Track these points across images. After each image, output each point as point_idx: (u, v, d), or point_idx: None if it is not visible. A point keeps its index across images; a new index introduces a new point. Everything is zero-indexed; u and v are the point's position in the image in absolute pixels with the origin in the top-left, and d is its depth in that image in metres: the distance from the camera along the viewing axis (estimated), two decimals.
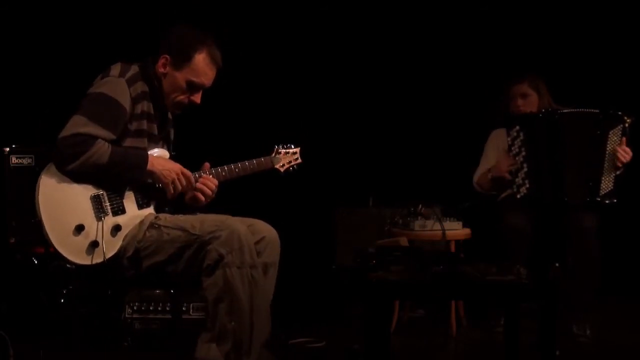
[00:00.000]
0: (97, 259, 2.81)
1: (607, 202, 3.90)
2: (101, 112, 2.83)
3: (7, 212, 3.42)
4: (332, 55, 5.25)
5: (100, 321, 3.62)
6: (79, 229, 2.81)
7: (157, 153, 3.04)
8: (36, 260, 3.37)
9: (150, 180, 2.94)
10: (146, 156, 2.91)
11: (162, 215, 2.99)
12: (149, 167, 2.90)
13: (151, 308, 3.79)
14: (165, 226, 2.91)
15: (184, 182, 2.95)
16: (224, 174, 3.10)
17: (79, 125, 2.79)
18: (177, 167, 2.96)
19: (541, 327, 2.77)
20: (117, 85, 2.90)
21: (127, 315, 3.79)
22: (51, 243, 2.77)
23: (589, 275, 3.90)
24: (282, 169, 3.29)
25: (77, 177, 2.82)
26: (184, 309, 3.66)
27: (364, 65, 5.30)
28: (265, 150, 3.27)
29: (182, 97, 3.03)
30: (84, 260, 2.80)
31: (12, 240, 3.45)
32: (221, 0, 5.00)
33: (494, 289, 2.83)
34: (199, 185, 3.03)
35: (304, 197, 5.21)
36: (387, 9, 5.25)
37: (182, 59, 2.99)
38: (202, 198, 3.04)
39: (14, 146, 3.46)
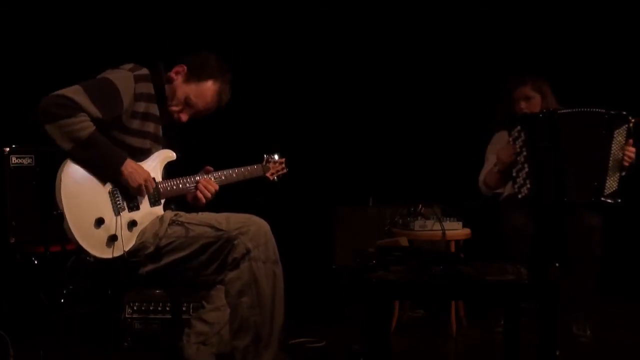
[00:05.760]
0: (117, 253, 2.87)
1: (610, 201, 3.90)
2: (97, 90, 2.87)
3: (7, 212, 3.42)
4: (333, 54, 5.26)
5: (100, 321, 3.62)
6: (99, 222, 2.86)
7: (162, 154, 3.11)
8: (36, 260, 3.37)
9: (119, 180, 2.93)
10: (125, 156, 2.92)
11: (181, 213, 3.07)
12: (122, 167, 2.90)
13: (151, 308, 3.80)
14: (189, 223, 2.99)
15: (150, 189, 3.00)
16: (223, 178, 3.23)
17: (71, 91, 2.82)
18: (146, 173, 2.99)
19: (541, 327, 2.77)
20: (123, 76, 2.96)
21: (127, 315, 3.80)
22: (72, 235, 2.80)
23: (590, 275, 3.91)
24: (271, 177, 3.46)
25: (51, 143, 2.81)
26: (184, 309, 3.66)
27: (364, 64, 5.30)
28: (254, 151, 3.45)
29: (175, 108, 3.11)
30: (104, 253, 2.86)
31: (12, 240, 3.45)
32: (215, 9, 5.02)
33: (494, 289, 2.83)
34: (200, 186, 3.13)
35: (304, 197, 5.22)
36: (389, 6, 5.25)
37: (194, 76, 3.09)
38: (203, 198, 3.13)
39: (14, 146, 3.46)
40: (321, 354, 3.81)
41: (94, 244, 2.84)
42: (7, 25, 4.63)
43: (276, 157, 3.48)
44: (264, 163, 3.44)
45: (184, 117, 3.12)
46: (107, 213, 2.89)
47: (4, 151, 3.43)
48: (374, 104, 5.33)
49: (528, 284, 2.79)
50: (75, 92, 2.81)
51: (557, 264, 2.86)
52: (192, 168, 3.20)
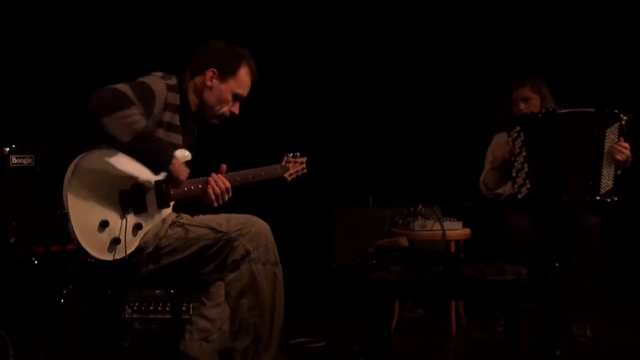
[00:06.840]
0: (119, 256, 2.85)
1: (607, 200, 3.91)
2: (139, 89, 2.85)
3: (7, 212, 3.43)
4: (334, 55, 5.26)
5: (100, 321, 3.62)
6: (103, 225, 2.83)
7: (179, 152, 3.05)
8: (36, 260, 3.38)
9: (166, 175, 2.91)
10: (173, 153, 2.91)
11: (183, 214, 3.04)
12: (174, 160, 2.88)
13: (151, 308, 3.79)
14: (189, 224, 2.97)
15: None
16: (238, 179, 3.15)
17: (120, 86, 2.79)
18: (185, 170, 2.96)
19: (541, 327, 2.77)
20: (158, 82, 2.97)
21: (127, 315, 3.79)
22: (75, 236, 2.78)
23: (590, 275, 3.91)
24: (289, 178, 3.40)
25: (105, 136, 2.76)
26: (184, 309, 3.66)
27: (365, 65, 5.30)
28: (271, 155, 3.35)
29: (225, 108, 3.12)
30: (105, 255, 2.84)
31: (12, 240, 3.46)
32: (220, 6, 5.02)
33: (494, 289, 2.83)
34: (210, 180, 3.05)
35: (304, 197, 5.21)
36: (390, 8, 5.25)
37: (228, 72, 3.09)
38: (212, 194, 3.03)
39: (14, 146, 3.46)
40: (321, 354, 3.81)
41: (95, 246, 2.82)
42: (7, 25, 4.63)
43: (297, 155, 3.41)
44: (284, 163, 3.38)
45: (236, 109, 3.15)
46: (113, 215, 2.86)
47: (4, 151, 3.44)
48: (374, 105, 5.33)
49: (528, 284, 2.79)
50: (124, 88, 2.79)
51: (557, 264, 2.86)
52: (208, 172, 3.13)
